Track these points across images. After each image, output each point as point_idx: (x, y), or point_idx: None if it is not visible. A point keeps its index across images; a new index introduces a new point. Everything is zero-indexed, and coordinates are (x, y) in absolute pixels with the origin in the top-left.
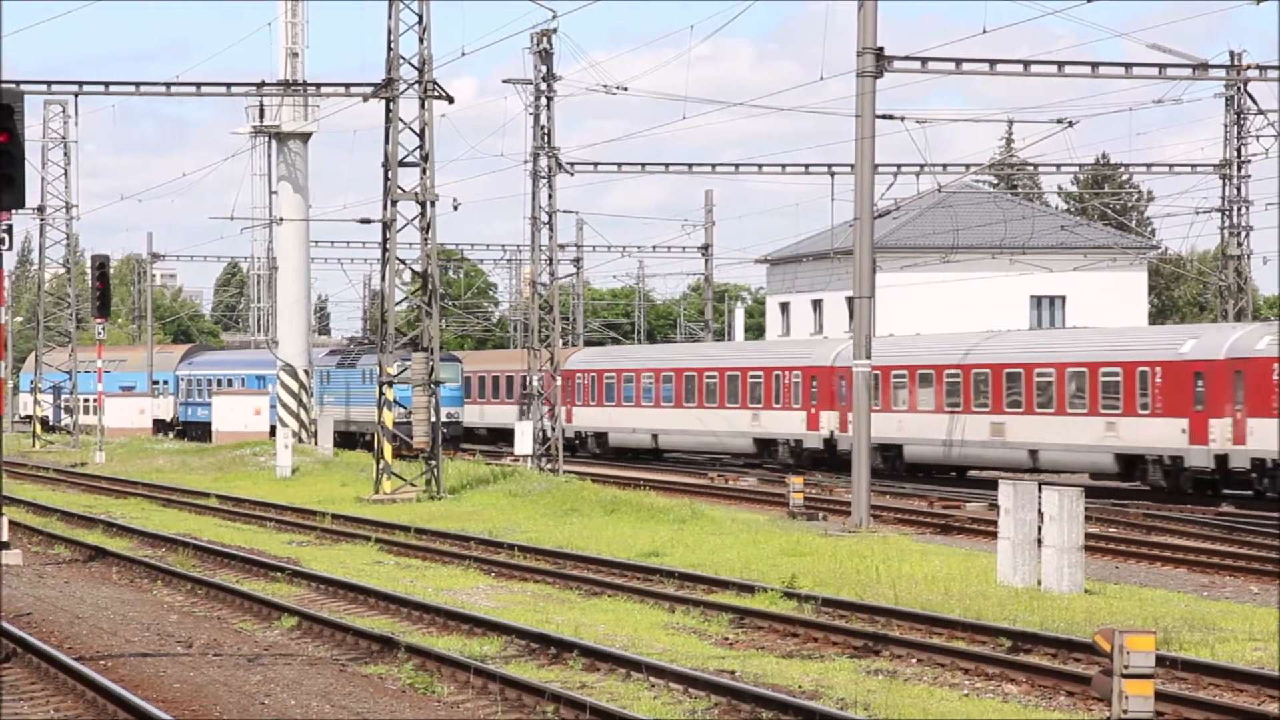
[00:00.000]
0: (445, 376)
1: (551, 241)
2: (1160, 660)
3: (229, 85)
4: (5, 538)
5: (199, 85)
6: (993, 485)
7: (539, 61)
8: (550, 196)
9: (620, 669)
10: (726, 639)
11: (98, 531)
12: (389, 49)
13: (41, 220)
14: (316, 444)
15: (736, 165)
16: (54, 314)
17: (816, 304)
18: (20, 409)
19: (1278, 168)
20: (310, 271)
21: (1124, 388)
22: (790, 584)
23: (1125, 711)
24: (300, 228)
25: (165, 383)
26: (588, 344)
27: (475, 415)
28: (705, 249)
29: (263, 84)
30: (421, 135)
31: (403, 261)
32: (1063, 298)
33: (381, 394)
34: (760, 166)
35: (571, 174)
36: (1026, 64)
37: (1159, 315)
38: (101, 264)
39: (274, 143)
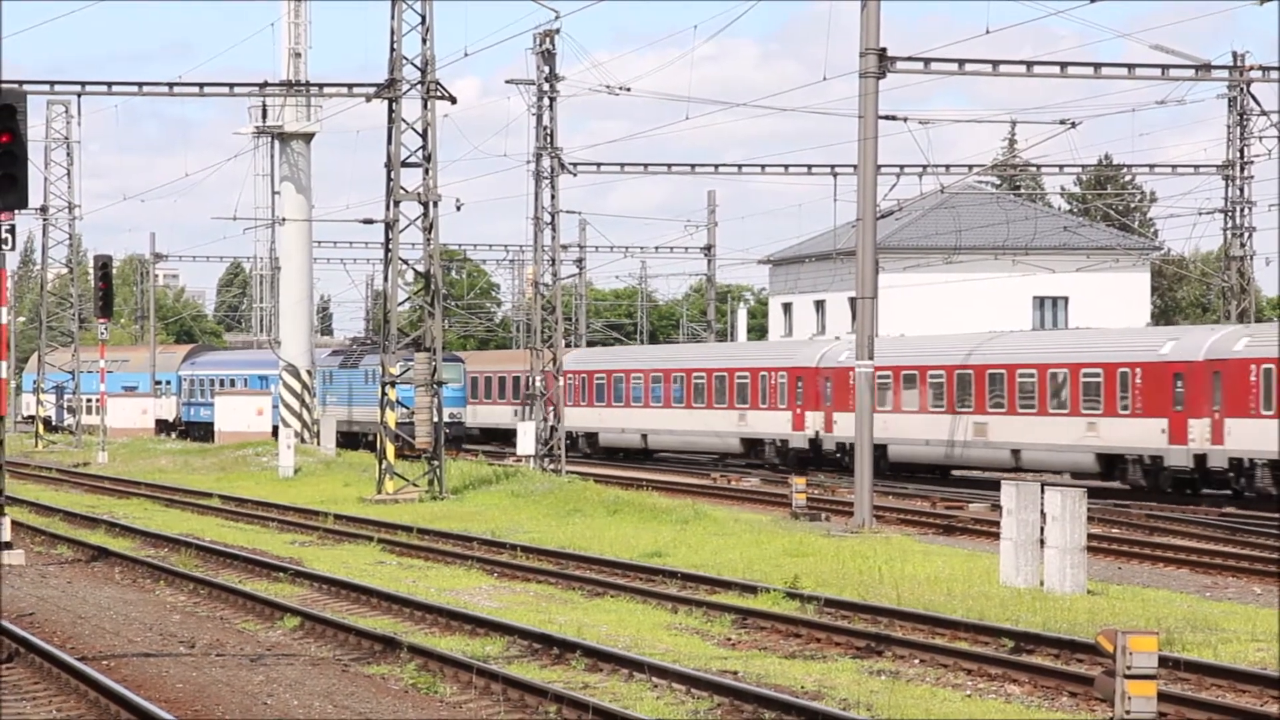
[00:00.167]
0: (448, 377)
1: (554, 242)
2: (1163, 661)
3: (232, 85)
4: (8, 538)
5: (202, 85)
6: (994, 486)
7: (541, 62)
8: (553, 197)
9: (623, 669)
10: (729, 639)
11: (100, 532)
12: (392, 49)
13: (44, 220)
14: (319, 444)
15: (739, 166)
16: (57, 314)
17: (819, 305)
18: (23, 409)
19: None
20: (313, 272)
21: (1105, 388)
22: (793, 584)
23: (1128, 712)
24: (303, 228)
25: (168, 383)
26: (590, 344)
27: (468, 415)
28: (708, 249)
29: (265, 84)
30: (424, 135)
31: (405, 262)
32: (1065, 299)
33: (384, 394)
34: (763, 167)
35: (574, 174)
36: (1029, 65)
37: (1162, 316)
38: (104, 264)
39: (277, 143)
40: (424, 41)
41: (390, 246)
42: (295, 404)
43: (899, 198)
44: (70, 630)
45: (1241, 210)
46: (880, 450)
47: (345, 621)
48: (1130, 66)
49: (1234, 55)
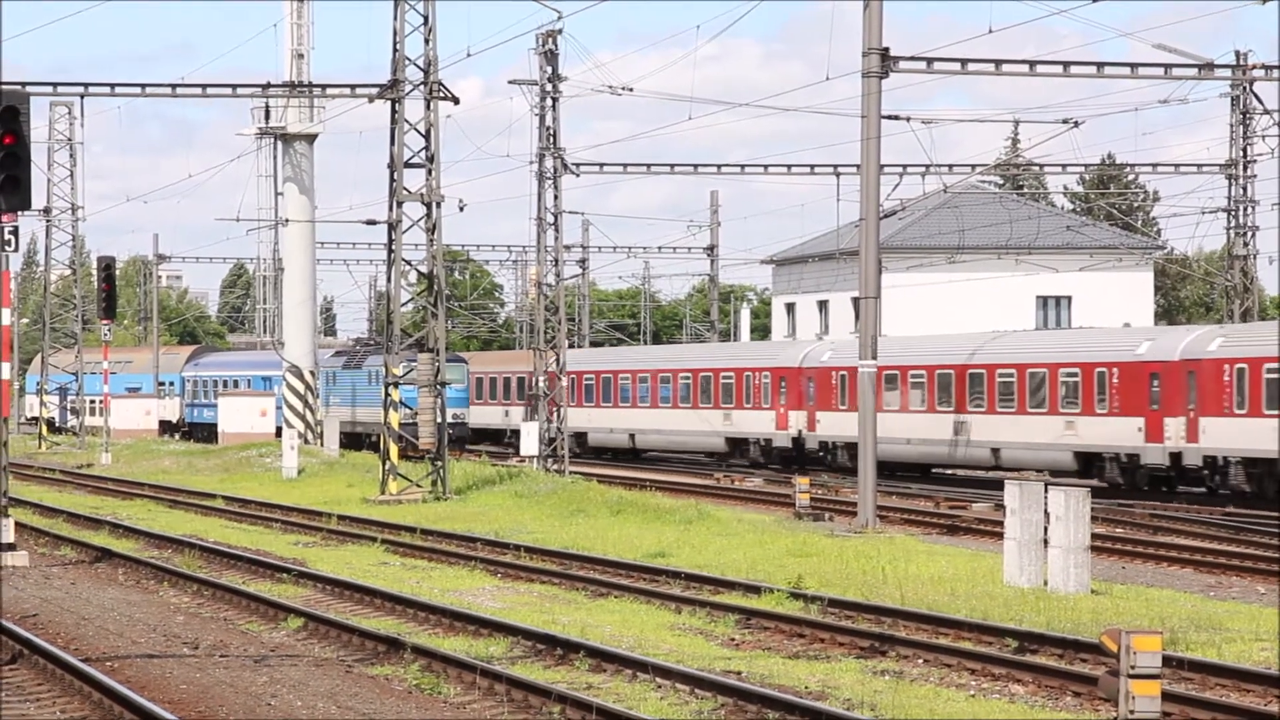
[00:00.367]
0: (451, 377)
1: (557, 242)
2: (1167, 660)
3: (235, 87)
4: (11, 539)
5: (205, 87)
6: (998, 485)
7: (544, 62)
8: (556, 197)
9: (627, 670)
10: (733, 639)
11: (104, 533)
12: (394, 50)
13: (47, 222)
14: (322, 445)
15: (742, 166)
16: (60, 315)
17: (822, 304)
18: (26, 410)
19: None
20: (316, 273)
21: (1083, 388)
22: (796, 584)
23: (1132, 712)
24: (306, 229)
25: (171, 384)
26: (593, 344)
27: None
28: (711, 249)
29: (268, 85)
30: (427, 136)
31: (408, 262)
32: (1068, 298)
33: (387, 395)
34: (766, 167)
35: (577, 175)
36: (1032, 64)
37: (1165, 315)
38: (107, 265)
39: (279, 144)
40: (426, 42)
41: (393, 247)
42: (299, 405)
43: (902, 197)
44: (74, 631)
45: (1245, 209)
46: None
47: (349, 622)
48: (1133, 66)
49: (1236, 54)
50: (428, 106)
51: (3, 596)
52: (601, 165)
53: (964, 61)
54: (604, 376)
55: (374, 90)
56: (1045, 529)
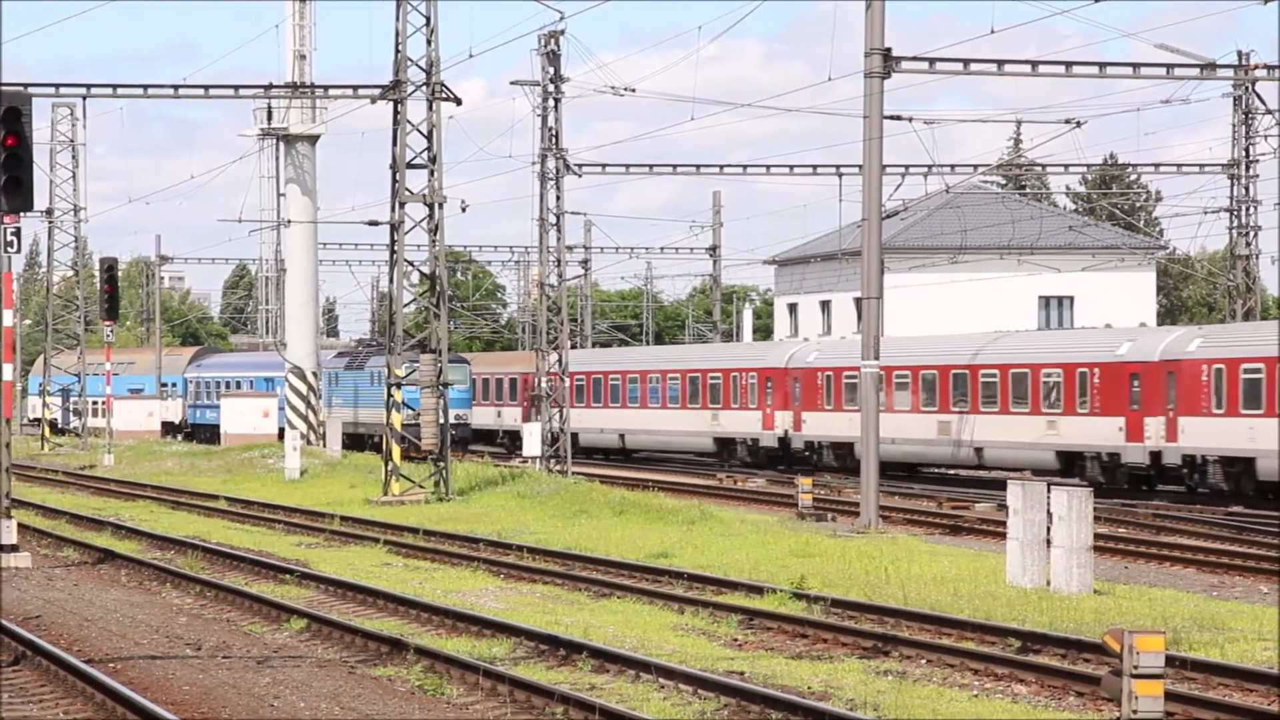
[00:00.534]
0: (453, 378)
1: (559, 243)
2: (1170, 660)
3: (237, 87)
4: (14, 540)
5: (207, 87)
6: (1000, 485)
7: (546, 63)
8: (558, 198)
9: (629, 670)
10: (736, 640)
11: (106, 534)
12: (397, 51)
13: (50, 223)
14: (325, 446)
15: (744, 166)
16: (62, 316)
17: (825, 305)
18: (29, 411)
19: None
20: (318, 274)
21: (1064, 388)
22: (799, 585)
23: (1135, 712)
24: (308, 230)
25: (174, 385)
26: (595, 345)
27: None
28: (713, 250)
29: (270, 86)
30: (429, 137)
31: (411, 263)
32: (1071, 298)
33: (390, 396)
34: (768, 167)
35: (579, 175)
36: (1034, 64)
37: (1167, 315)
38: (110, 266)
39: (282, 145)
40: (429, 43)
41: (395, 248)
42: (301, 406)
43: (904, 198)
44: (76, 633)
45: (1247, 209)
46: (848, 448)
47: (352, 623)
48: (1135, 66)
49: (1239, 54)
50: (430, 107)
51: (5, 598)
52: (604, 166)
53: (966, 62)
54: (594, 377)
55: (376, 91)
56: (1048, 529)
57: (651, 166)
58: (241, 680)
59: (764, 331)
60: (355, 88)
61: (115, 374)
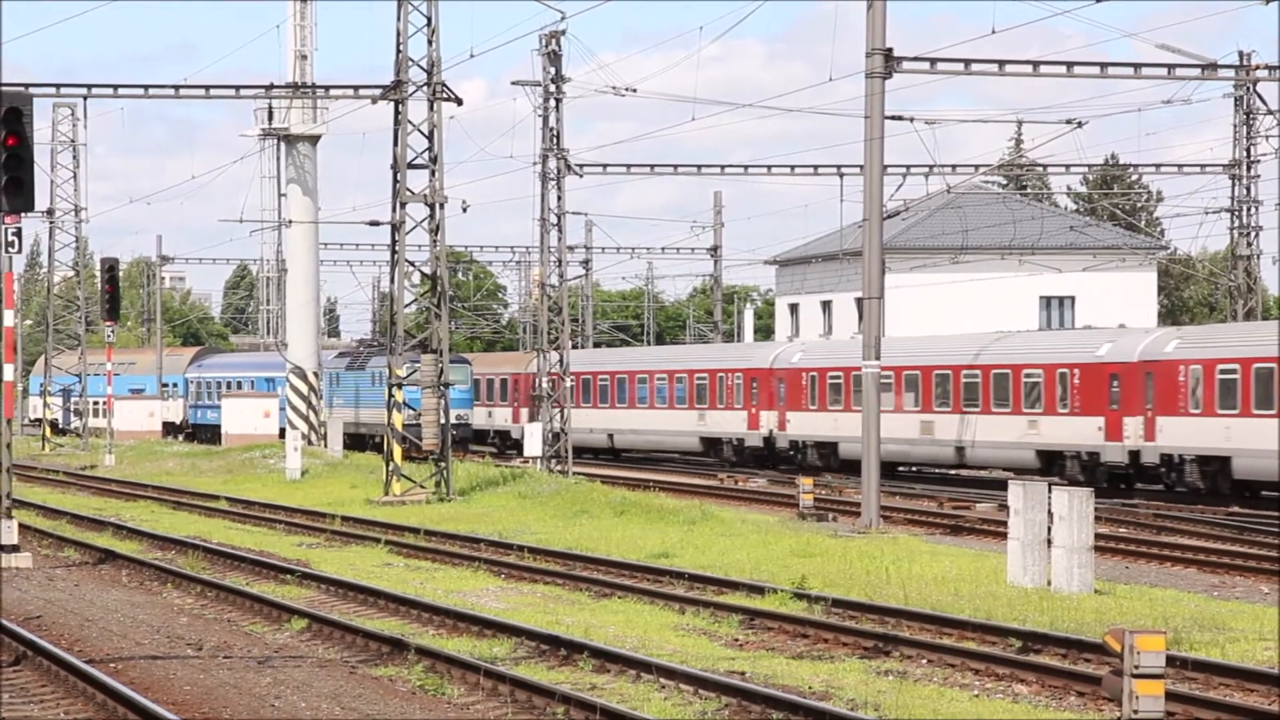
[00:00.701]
0: (454, 378)
1: (560, 243)
2: (1171, 660)
3: (238, 88)
4: (15, 540)
5: (208, 88)
6: (1001, 485)
7: (548, 63)
8: (559, 198)
9: (630, 670)
10: (736, 640)
11: (107, 534)
12: (398, 51)
13: (51, 223)
14: (326, 446)
15: (745, 166)
16: (63, 317)
17: (826, 305)
18: (30, 412)
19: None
20: (319, 274)
21: (1045, 388)
22: (800, 585)
23: (1136, 712)
24: (309, 230)
25: (175, 385)
26: (597, 345)
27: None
28: (714, 250)
29: (271, 86)
30: (430, 137)
31: (412, 263)
32: (1072, 298)
33: (391, 396)
34: (769, 168)
35: (580, 175)
36: (1035, 64)
37: (1168, 316)
38: (111, 267)
39: (283, 145)
40: (430, 43)
41: (396, 248)
42: (302, 406)
43: (905, 198)
44: (77, 633)
45: (1248, 209)
46: (831, 448)
47: (353, 623)
48: (1136, 66)
49: (1240, 55)
50: (431, 107)
51: (6, 598)
52: (605, 166)
53: (967, 62)
54: (584, 378)
55: (377, 91)
56: (1049, 529)
57: (653, 167)
58: (242, 680)
59: (765, 332)
60: (356, 88)
61: (116, 374)
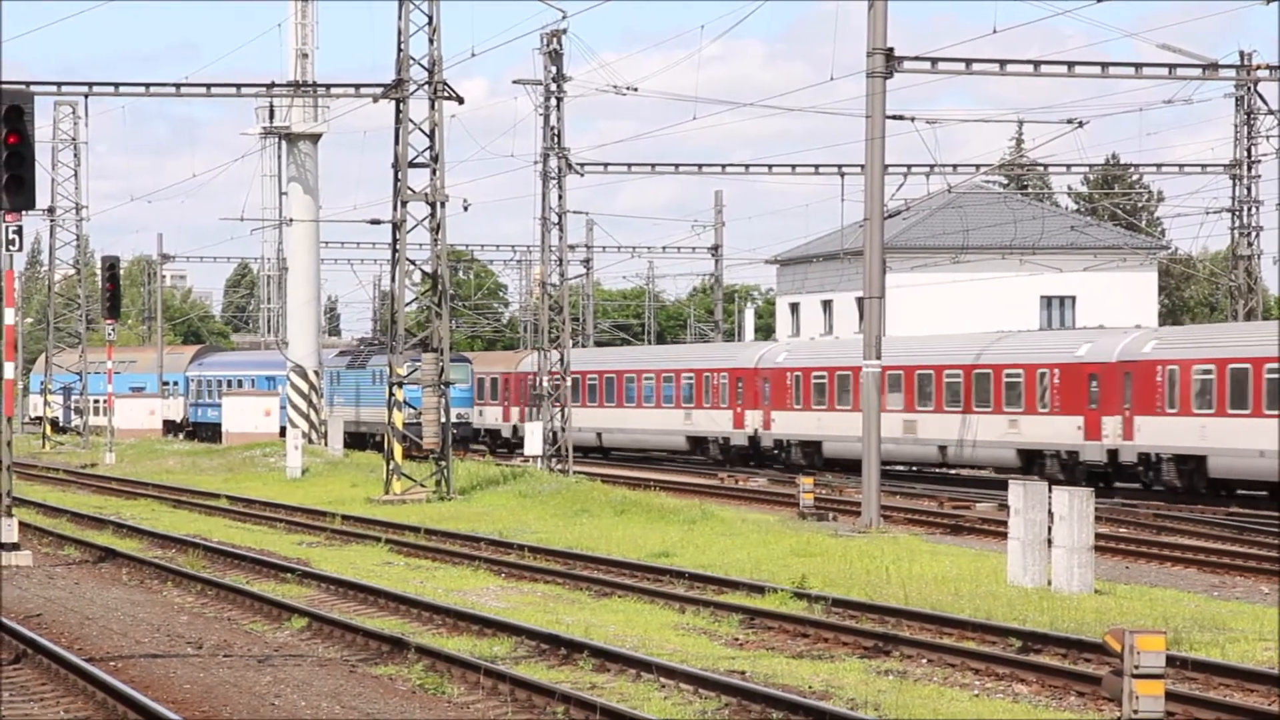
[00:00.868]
0: (455, 377)
1: (561, 242)
2: (1171, 660)
3: (239, 86)
4: (15, 539)
5: (209, 86)
6: (1001, 485)
7: (549, 62)
8: (560, 197)
9: (630, 669)
10: (737, 639)
11: (108, 532)
12: (399, 50)
13: (51, 221)
14: (326, 445)
15: (746, 166)
16: (64, 315)
17: (826, 304)
18: (30, 410)
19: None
20: (320, 272)
21: (1025, 388)
22: (800, 584)
23: (1136, 711)
24: (310, 229)
25: (175, 384)
26: (597, 344)
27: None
28: (715, 249)
29: (272, 85)
30: (431, 136)
31: (413, 262)
32: (1073, 298)
33: (392, 395)
34: (770, 167)
35: (581, 175)
36: (1036, 64)
37: (1169, 315)
38: (111, 265)
39: (284, 143)
40: (431, 42)
41: (397, 247)
42: (303, 405)
43: (906, 197)
44: (77, 631)
45: (1249, 209)
46: (815, 446)
47: (353, 622)
48: (1137, 66)
49: (1241, 55)
50: (432, 106)
51: (6, 596)
52: (606, 165)
53: (968, 61)
54: (573, 377)
55: (378, 90)
56: (1049, 529)
57: (654, 166)
58: (242, 679)
59: (766, 331)
60: (357, 86)
61: (117, 372)
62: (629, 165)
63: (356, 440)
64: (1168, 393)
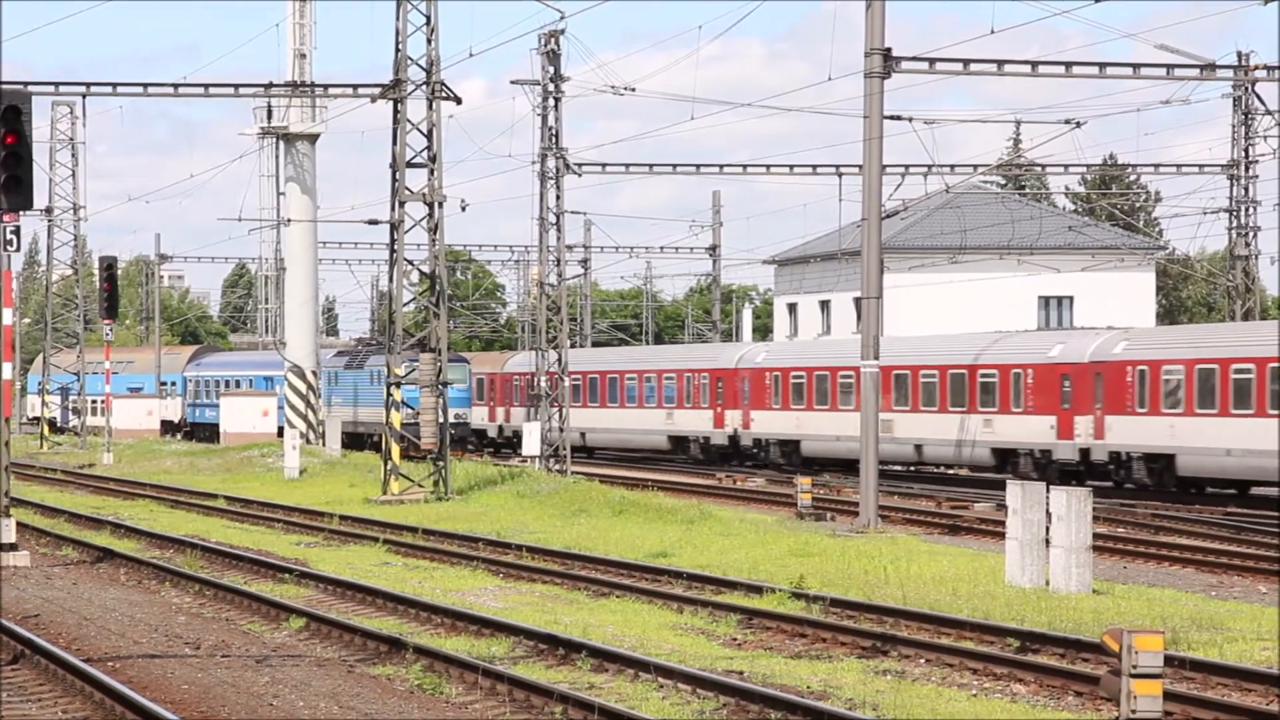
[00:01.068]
0: (453, 377)
1: (559, 242)
2: (1168, 660)
3: (237, 86)
4: (13, 539)
5: (207, 86)
6: (999, 485)
7: (546, 62)
8: (558, 197)
9: (628, 669)
10: (735, 639)
11: (105, 533)
12: (397, 50)
13: (49, 221)
14: (324, 445)
15: (744, 166)
16: (62, 315)
17: (824, 305)
18: (28, 410)
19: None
20: (318, 273)
21: (999, 388)
22: (798, 584)
23: (1133, 711)
24: (308, 229)
25: (173, 384)
26: (595, 345)
27: None
28: (713, 249)
29: (270, 85)
30: (429, 136)
31: (410, 262)
32: (1070, 298)
33: (389, 395)
34: (768, 167)
35: (579, 175)
36: (1034, 64)
37: (1167, 316)
38: (109, 265)
39: (282, 144)
40: (429, 42)
41: (395, 247)
42: (300, 405)
43: (904, 198)
44: (75, 632)
45: (1246, 210)
46: (794, 445)
47: (351, 622)
48: (1135, 66)
49: (1239, 55)
50: (430, 106)
51: (5, 596)
52: (604, 165)
53: (966, 62)
54: (558, 378)
55: (376, 90)
56: (1047, 529)
57: (651, 166)
58: (240, 679)
59: (763, 331)
60: (355, 87)
61: (114, 373)
62: (627, 165)
63: (354, 440)
64: (1138, 393)
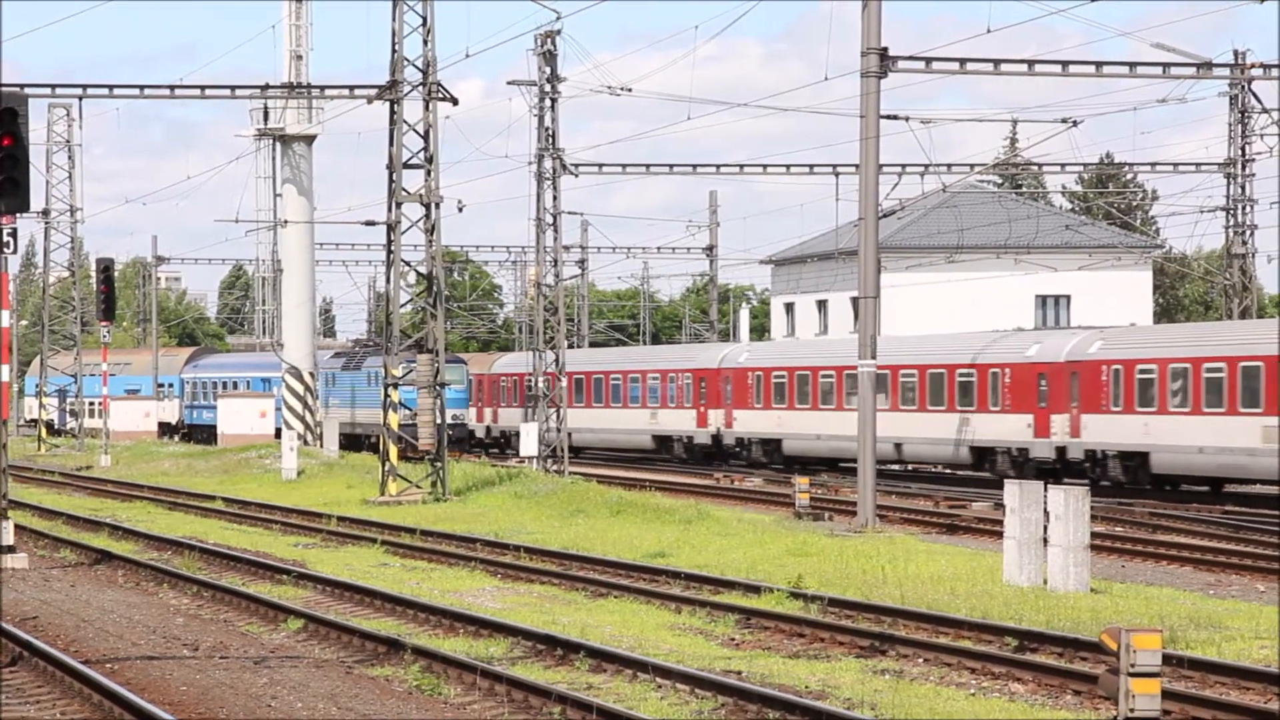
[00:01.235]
0: (450, 378)
1: (556, 243)
2: (1166, 659)
3: (233, 88)
4: (11, 541)
5: (203, 88)
6: (997, 485)
7: (543, 63)
8: (555, 198)
9: (627, 670)
10: (733, 639)
11: (103, 535)
12: (393, 51)
13: (46, 224)
14: (322, 446)
15: (741, 166)
16: (59, 317)
17: (821, 304)
18: (25, 412)
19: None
20: (315, 274)
21: (977, 387)
22: (796, 584)
23: (1132, 710)
24: (305, 230)
25: (170, 386)
26: (592, 345)
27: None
28: (710, 249)
29: (267, 86)
30: (426, 137)
31: (407, 263)
32: (1067, 297)
33: (387, 396)
34: (765, 167)
35: (576, 175)
36: (1031, 63)
37: (1164, 314)
38: (106, 267)
39: (278, 145)
40: (425, 43)
41: (392, 248)
42: (298, 406)
43: (901, 197)
44: (73, 634)
45: (1243, 208)
46: (775, 444)
47: (349, 624)
48: (1132, 65)
49: (1235, 53)
50: (426, 107)
51: (3, 599)
52: (600, 166)
53: (963, 61)
54: (545, 378)
55: (373, 91)
56: (1045, 528)
57: (648, 166)
58: (239, 680)
59: (760, 331)
60: (352, 88)
61: (112, 374)
62: (624, 166)
63: (352, 442)
64: (1112, 391)
